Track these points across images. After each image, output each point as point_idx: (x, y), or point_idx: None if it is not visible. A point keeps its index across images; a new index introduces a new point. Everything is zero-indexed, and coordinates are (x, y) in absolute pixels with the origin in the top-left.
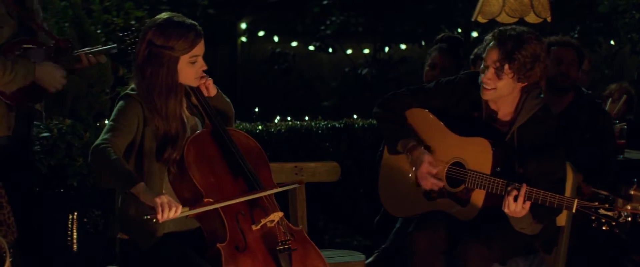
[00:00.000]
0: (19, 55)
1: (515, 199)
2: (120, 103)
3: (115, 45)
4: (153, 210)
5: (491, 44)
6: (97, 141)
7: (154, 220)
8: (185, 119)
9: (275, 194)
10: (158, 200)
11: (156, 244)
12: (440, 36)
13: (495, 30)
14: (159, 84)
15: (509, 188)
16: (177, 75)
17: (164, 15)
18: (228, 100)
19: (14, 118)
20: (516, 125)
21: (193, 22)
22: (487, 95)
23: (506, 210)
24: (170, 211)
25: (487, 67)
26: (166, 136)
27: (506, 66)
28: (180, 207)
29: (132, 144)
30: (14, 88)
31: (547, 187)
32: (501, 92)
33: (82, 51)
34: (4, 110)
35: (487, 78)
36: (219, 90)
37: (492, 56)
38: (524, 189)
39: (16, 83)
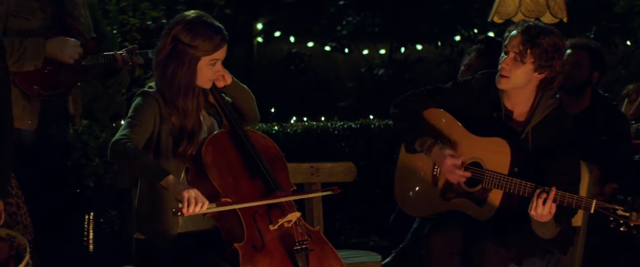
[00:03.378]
0: None
1: (544, 202)
2: (137, 100)
3: (152, 50)
4: (179, 203)
5: (514, 31)
6: (116, 137)
7: (179, 213)
8: (201, 118)
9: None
10: (186, 193)
11: (173, 244)
12: (481, 37)
13: (520, 21)
14: (177, 81)
15: (539, 191)
16: (196, 75)
17: (192, 13)
18: (245, 87)
19: (37, 112)
20: (531, 125)
21: (221, 25)
22: (502, 84)
23: (532, 212)
24: (196, 206)
25: (507, 53)
26: (182, 131)
27: (529, 51)
28: (207, 203)
29: (149, 141)
30: (28, 67)
31: (562, 188)
32: (516, 81)
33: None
34: (23, 101)
35: (505, 63)
36: (235, 79)
37: (515, 41)
38: (553, 192)
39: (27, 60)
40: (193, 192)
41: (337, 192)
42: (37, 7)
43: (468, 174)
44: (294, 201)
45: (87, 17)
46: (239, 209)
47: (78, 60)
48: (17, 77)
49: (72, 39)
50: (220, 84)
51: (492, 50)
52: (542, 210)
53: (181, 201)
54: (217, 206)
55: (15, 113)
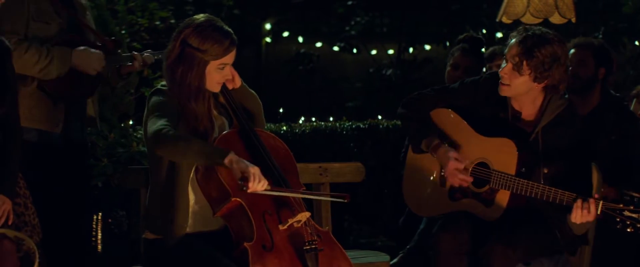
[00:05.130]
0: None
1: (589, 211)
2: (155, 98)
3: (161, 51)
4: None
5: (513, 40)
6: (156, 128)
7: (244, 187)
8: (213, 118)
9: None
10: (252, 169)
11: (181, 244)
12: (462, 36)
13: (521, 28)
14: (187, 85)
15: (581, 202)
16: (205, 79)
17: (202, 17)
18: (253, 92)
19: (63, 115)
20: (540, 126)
21: (230, 30)
22: (503, 91)
23: (578, 221)
24: (259, 183)
25: (505, 61)
26: (196, 133)
27: (524, 62)
28: (267, 182)
29: None
30: (53, 75)
31: (571, 188)
32: (516, 89)
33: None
34: (49, 104)
35: (504, 72)
36: (244, 83)
37: (512, 51)
38: (593, 204)
39: (54, 70)
40: (257, 170)
41: (348, 201)
42: (53, 10)
43: (470, 179)
44: (303, 201)
45: (92, 22)
46: (249, 208)
47: (100, 71)
48: (44, 81)
49: (97, 51)
50: (229, 86)
51: (475, 48)
52: (588, 217)
53: (246, 177)
54: (273, 190)
55: (39, 116)
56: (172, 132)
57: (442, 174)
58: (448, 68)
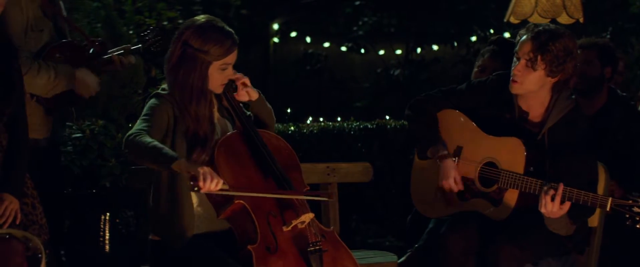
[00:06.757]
0: (59, 59)
1: (552, 198)
2: (152, 101)
3: (139, 45)
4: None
5: (524, 37)
6: (131, 131)
7: (196, 189)
8: (215, 121)
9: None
10: (201, 169)
11: (187, 245)
12: (494, 38)
13: (530, 25)
14: (189, 86)
15: (546, 188)
16: (207, 80)
17: (202, 17)
18: (270, 107)
19: (52, 121)
20: (547, 126)
21: (231, 30)
22: (514, 89)
23: (543, 210)
24: (212, 182)
25: (518, 59)
26: (196, 137)
27: (539, 57)
28: (222, 182)
29: (163, 142)
30: (57, 92)
31: (579, 188)
32: (529, 86)
33: (112, 52)
34: (43, 114)
35: (517, 70)
36: (262, 96)
37: (525, 48)
38: (561, 188)
39: (59, 88)
40: (208, 169)
41: (332, 199)
42: (41, 15)
43: (462, 187)
44: (308, 201)
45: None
46: (253, 210)
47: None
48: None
49: (94, 76)
50: (244, 99)
51: (506, 51)
52: (552, 207)
53: (196, 178)
54: (230, 189)
55: (34, 123)
56: (139, 137)
57: None
58: (475, 69)
